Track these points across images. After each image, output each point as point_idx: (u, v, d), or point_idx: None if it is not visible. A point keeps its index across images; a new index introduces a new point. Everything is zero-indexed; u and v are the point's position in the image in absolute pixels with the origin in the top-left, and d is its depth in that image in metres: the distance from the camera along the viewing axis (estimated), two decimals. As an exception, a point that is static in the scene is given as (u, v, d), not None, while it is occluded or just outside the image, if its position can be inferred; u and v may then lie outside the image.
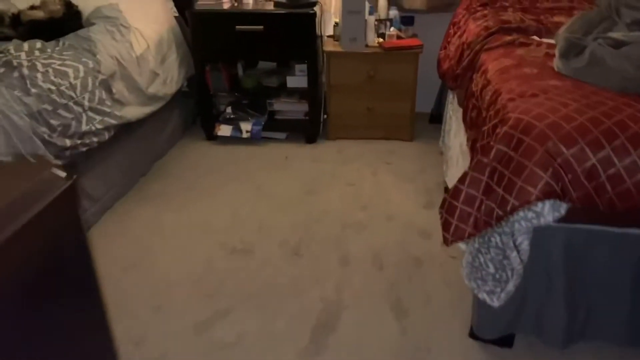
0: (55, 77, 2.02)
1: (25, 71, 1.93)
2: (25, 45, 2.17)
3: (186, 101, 3.22)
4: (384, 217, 2.34)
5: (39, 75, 1.96)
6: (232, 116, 3.15)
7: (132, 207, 2.47)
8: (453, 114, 2.54)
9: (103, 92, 2.27)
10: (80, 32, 2.42)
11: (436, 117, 3.23)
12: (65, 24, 2.48)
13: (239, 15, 2.85)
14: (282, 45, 2.89)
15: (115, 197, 2.49)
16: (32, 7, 2.54)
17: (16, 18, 2.48)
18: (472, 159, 1.53)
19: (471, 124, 1.85)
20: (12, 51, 2.09)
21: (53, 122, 1.94)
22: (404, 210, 2.39)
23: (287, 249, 2.14)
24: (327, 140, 3.15)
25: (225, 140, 3.11)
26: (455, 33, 2.63)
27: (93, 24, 2.54)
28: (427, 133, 3.17)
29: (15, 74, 1.90)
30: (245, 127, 3.09)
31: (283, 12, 2.84)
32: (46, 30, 2.42)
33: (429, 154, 2.93)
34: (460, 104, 2.22)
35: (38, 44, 2.23)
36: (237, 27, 2.84)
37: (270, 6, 2.93)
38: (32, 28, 2.42)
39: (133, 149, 2.63)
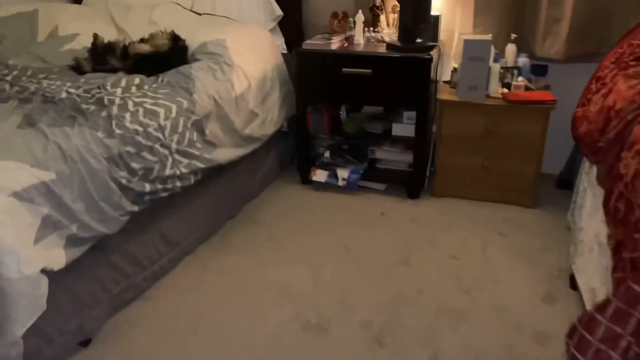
0: (144, 117, 1.93)
1: (114, 110, 1.86)
2: (124, 81, 2.13)
3: (284, 141, 3.07)
4: (490, 307, 1.95)
5: (127, 116, 1.87)
6: (329, 161, 2.94)
7: (213, 255, 2.32)
8: (589, 187, 2.08)
9: (194, 134, 2.15)
10: (182, 68, 2.35)
11: (566, 182, 2.75)
12: (169, 59, 2.44)
13: (347, 57, 2.64)
14: (391, 91, 2.63)
15: (197, 242, 2.36)
16: (142, 40, 2.53)
17: (125, 50, 2.49)
18: (617, 282, 1.13)
19: (616, 218, 1.44)
20: (108, 87, 2.05)
21: (134, 165, 1.83)
22: (517, 300, 1.98)
23: (368, 333, 1.83)
24: (432, 198, 2.81)
25: (319, 185, 2.90)
26: (598, 90, 2.18)
27: (197, 59, 2.47)
28: (553, 200, 2.71)
29: (104, 114, 1.83)
30: (342, 174, 2.85)
31: (396, 55, 2.58)
32: (151, 64, 2.39)
33: (554, 228, 2.47)
34: (600, 182, 1.79)
35: (137, 79, 2.18)
36: (343, 69, 2.63)
37: (382, 48, 2.69)
38: (137, 62, 2.40)
39: (222, 190, 2.50)
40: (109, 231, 1.73)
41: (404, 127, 2.78)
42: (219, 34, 2.61)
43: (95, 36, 2.60)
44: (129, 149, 1.82)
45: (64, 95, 2.04)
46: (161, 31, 2.55)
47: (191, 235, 2.31)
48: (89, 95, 1.97)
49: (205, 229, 2.41)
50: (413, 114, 2.73)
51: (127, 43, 2.55)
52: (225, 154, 2.36)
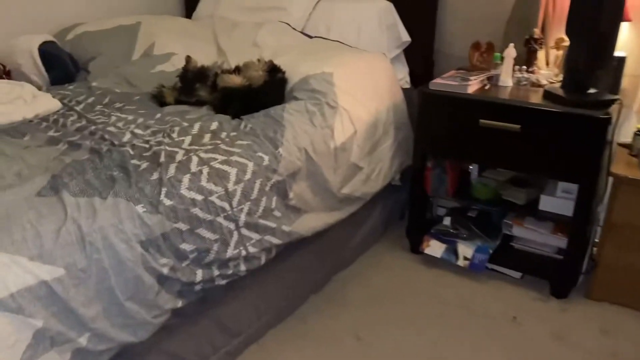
0: (209, 180, 1.48)
1: (170, 171, 1.43)
2: (197, 126, 1.71)
3: (394, 194, 2.49)
4: None
5: (185, 180, 1.43)
6: (449, 230, 2.31)
7: (282, 345, 1.84)
8: None
9: (273, 199, 1.67)
10: (274, 110, 1.89)
11: None
12: (262, 96, 1.99)
13: (487, 106, 2.00)
14: (546, 154, 1.94)
15: (267, 326, 1.89)
16: (235, 70, 2.11)
17: (213, 81, 2.09)
18: None
19: None
20: (174, 134, 1.64)
21: (184, 247, 1.39)
22: None
23: None
24: (586, 301, 2.06)
25: (432, 261, 2.28)
26: None
27: (295, 98, 2.00)
28: None
29: (154, 176, 1.41)
30: (465, 250, 2.21)
31: (557, 110, 1.88)
32: (239, 101, 1.96)
33: None
34: None
35: (214, 124, 1.76)
36: (481, 120, 1.99)
37: (537, 96, 2.00)
38: (225, 96, 1.98)
39: (305, 261, 2.00)
40: (136, 339, 1.30)
41: (557, 202, 2.06)
42: (326, 65, 2.11)
43: (188, 59, 2.25)
44: (180, 225, 1.38)
45: (126, 138, 1.67)
46: (258, 59, 2.11)
47: (259, 320, 1.84)
48: (146, 145, 1.57)
49: (278, 311, 1.92)
50: (572, 186, 2.02)
51: (219, 71, 2.16)
52: (311, 222, 1.85)
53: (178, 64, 2.36)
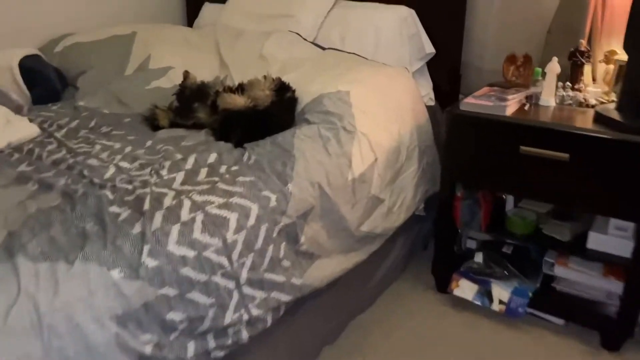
0: (203, 231, 1.22)
1: (156, 222, 1.17)
2: (191, 160, 1.45)
3: (417, 224, 2.22)
4: None
5: (174, 232, 1.18)
6: (481, 269, 2.03)
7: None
8: None
9: (281, 246, 1.41)
10: (283, 136, 1.63)
11: None
12: (269, 120, 1.73)
13: (529, 130, 1.72)
14: (596, 186, 1.66)
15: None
16: (238, 88, 1.85)
17: (213, 101, 1.83)
18: None
19: None
20: (164, 172, 1.38)
21: (172, 316, 1.13)
22: None
23: None
24: (644, 356, 1.78)
25: (462, 303, 2.01)
26: None
27: (307, 120, 1.74)
28: None
29: (136, 229, 1.15)
30: (500, 292, 1.94)
31: (614, 137, 1.60)
32: (242, 125, 1.70)
33: None
34: None
35: (212, 156, 1.50)
36: (522, 147, 1.72)
37: (586, 119, 1.72)
38: (225, 120, 1.73)
39: (317, 309, 1.73)
40: None
41: (609, 241, 1.78)
42: (342, 82, 1.85)
43: (186, 75, 2.00)
44: (167, 291, 1.12)
45: (109, 173, 1.42)
46: (264, 76, 1.86)
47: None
48: (129, 187, 1.31)
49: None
50: (629, 225, 1.74)
51: (220, 88, 1.90)
52: (326, 269, 1.58)
53: (176, 79, 2.11)
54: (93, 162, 1.49)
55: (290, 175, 1.48)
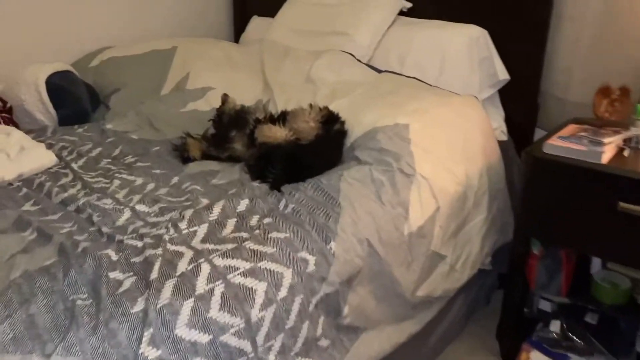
0: (221, 308, 0.97)
1: (164, 297, 0.94)
2: (217, 209, 1.21)
3: (480, 279, 1.91)
4: None
5: (185, 311, 0.93)
6: (559, 339, 1.70)
7: None
8: None
9: (319, 322, 1.15)
10: (329, 179, 1.37)
11: None
12: (313, 157, 1.48)
13: (630, 184, 1.39)
14: None
15: None
16: (280, 117, 1.62)
17: (252, 131, 1.60)
18: None
19: None
20: (183, 224, 1.14)
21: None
22: None
23: None
24: None
25: (534, 380, 1.68)
26: None
27: (357, 159, 1.48)
28: None
29: (137, 307, 0.92)
30: (582, 372, 1.60)
31: None
32: (282, 163, 1.45)
33: None
34: None
35: (242, 203, 1.26)
36: (621, 204, 1.39)
37: None
38: (263, 156, 1.49)
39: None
40: None
41: None
42: (400, 113, 1.58)
43: (224, 98, 1.78)
44: (170, 388, 0.88)
45: (122, 219, 1.21)
46: (310, 105, 1.61)
47: None
48: (139, 243, 1.09)
49: None
50: None
51: (261, 115, 1.67)
52: (374, 344, 1.31)
53: (214, 101, 1.90)
54: (107, 203, 1.28)
55: (334, 231, 1.22)
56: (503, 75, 1.93)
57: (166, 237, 1.09)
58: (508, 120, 1.99)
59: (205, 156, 1.63)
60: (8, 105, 1.81)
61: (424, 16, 2.11)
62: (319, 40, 2.19)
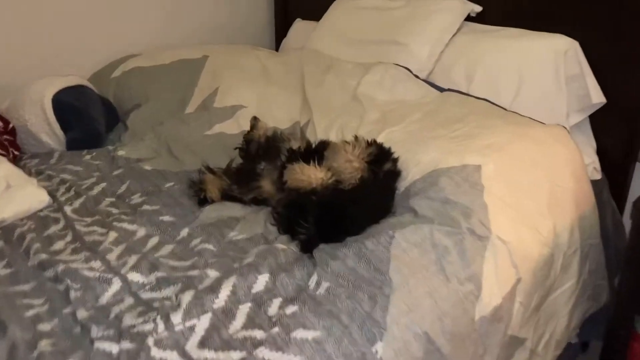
0: None
1: None
2: (226, 290, 0.93)
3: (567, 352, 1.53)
4: None
5: None
6: None
7: None
8: None
9: None
10: (374, 243, 1.06)
11: None
12: (357, 208, 1.16)
13: None
14: None
15: None
16: (318, 148, 1.31)
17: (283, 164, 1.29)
18: None
19: None
20: (175, 319, 0.86)
21: None
22: None
23: None
24: None
25: None
26: None
27: (414, 211, 1.15)
28: None
29: None
30: None
31: None
32: (316, 212, 1.15)
33: None
34: None
35: (260, 280, 0.95)
36: None
37: None
38: (293, 205, 1.18)
39: None
40: None
41: None
42: (469, 149, 1.25)
43: (253, 123, 1.50)
44: None
45: (107, 295, 0.94)
46: (355, 137, 1.29)
47: None
48: (114, 348, 0.80)
49: None
50: None
51: (295, 145, 1.37)
52: None
53: (245, 123, 1.62)
54: (94, 268, 1.01)
55: (382, 324, 0.90)
56: (598, 97, 1.55)
57: (151, 339, 0.80)
58: (600, 153, 1.60)
59: (226, 195, 1.35)
60: (10, 126, 1.58)
61: (497, 22, 1.75)
62: (369, 50, 1.87)
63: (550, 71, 1.55)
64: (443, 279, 1.02)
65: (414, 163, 1.27)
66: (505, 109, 1.53)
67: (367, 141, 1.27)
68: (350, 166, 1.20)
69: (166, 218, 1.23)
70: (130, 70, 1.97)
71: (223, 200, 1.34)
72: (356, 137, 1.30)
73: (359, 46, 1.91)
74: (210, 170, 1.41)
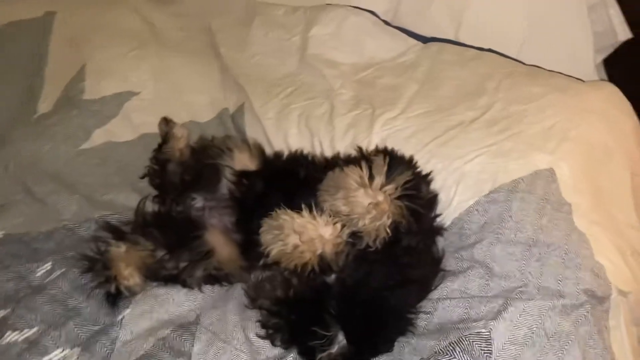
0: None
1: None
2: None
3: None
4: None
5: None
6: None
7: None
8: None
9: None
10: (466, 352, 0.59)
11: None
12: (401, 285, 0.68)
13: None
14: None
15: None
16: (296, 163, 0.78)
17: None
18: None
19: None
20: None
21: None
22: None
23: None
24: None
25: None
26: None
27: (484, 266, 0.70)
28: None
29: None
30: None
31: None
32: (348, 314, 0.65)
33: None
34: None
35: None
36: None
37: None
38: (293, 303, 0.67)
39: None
40: None
41: None
42: (527, 142, 0.83)
43: (166, 131, 0.92)
44: None
45: None
46: (360, 149, 0.79)
47: None
48: None
49: None
50: None
51: (241, 154, 0.84)
52: None
53: (141, 120, 1.05)
54: None
55: None
56: (623, 33, 1.17)
57: None
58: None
59: (154, 274, 0.79)
60: None
61: None
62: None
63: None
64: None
65: (454, 178, 0.81)
66: (522, 63, 1.09)
67: (383, 153, 0.77)
68: (372, 208, 0.70)
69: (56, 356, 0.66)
70: None
71: (148, 281, 0.78)
72: (361, 150, 0.79)
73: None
74: (110, 227, 0.83)
